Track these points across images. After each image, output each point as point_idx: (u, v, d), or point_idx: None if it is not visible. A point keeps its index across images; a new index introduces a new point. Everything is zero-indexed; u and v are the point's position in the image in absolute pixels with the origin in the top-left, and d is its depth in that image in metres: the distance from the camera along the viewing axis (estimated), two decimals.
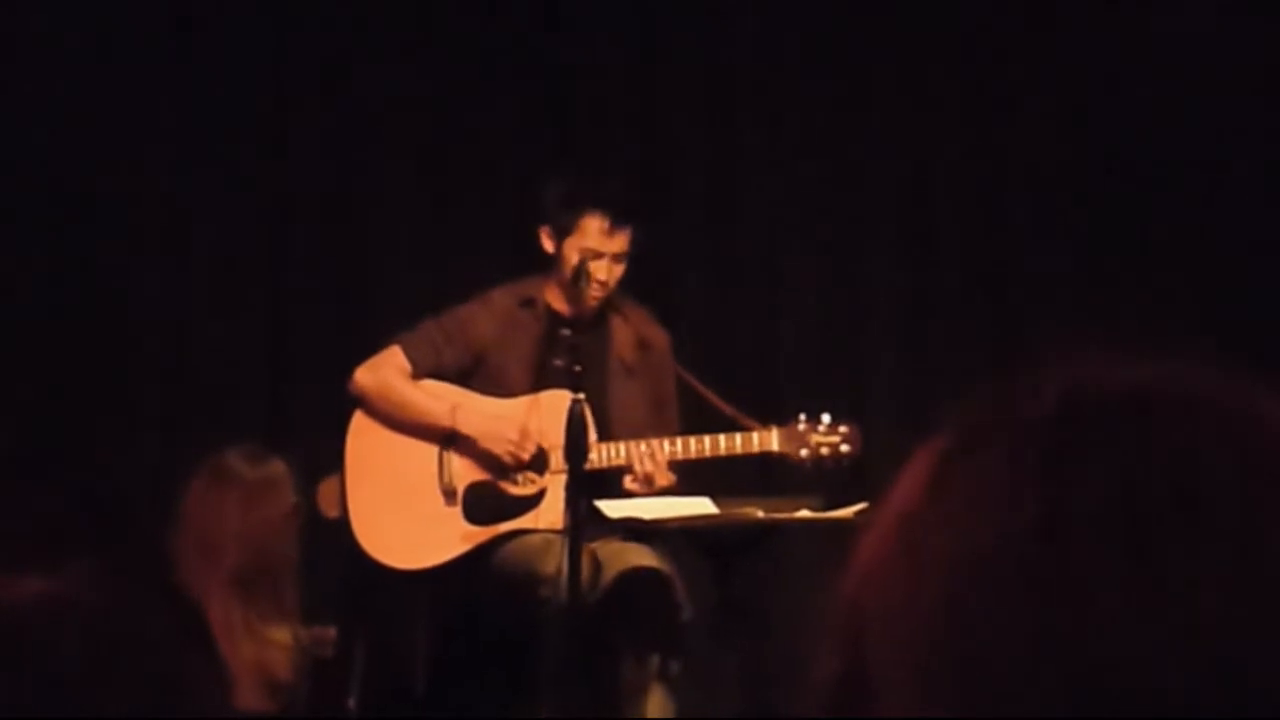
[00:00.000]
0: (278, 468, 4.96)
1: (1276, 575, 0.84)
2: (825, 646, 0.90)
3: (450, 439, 5.48)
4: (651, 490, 5.34)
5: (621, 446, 5.37)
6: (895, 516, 0.90)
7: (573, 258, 5.44)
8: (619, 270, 5.48)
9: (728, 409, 5.42)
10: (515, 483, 5.48)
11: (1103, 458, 0.87)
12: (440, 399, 5.49)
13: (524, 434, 5.43)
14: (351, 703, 5.28)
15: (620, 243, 5.45)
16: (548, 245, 5.52)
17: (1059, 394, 0.90)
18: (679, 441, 5.37)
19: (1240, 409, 0.89)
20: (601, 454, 5.33)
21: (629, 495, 5.36)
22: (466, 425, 5.46)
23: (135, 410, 6.48)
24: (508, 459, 5.44)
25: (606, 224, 5.41)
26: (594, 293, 5.43)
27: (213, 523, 4.81)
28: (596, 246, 5.43)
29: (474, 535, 5.45)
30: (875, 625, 0.88)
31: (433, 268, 6.59)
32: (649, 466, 5.32)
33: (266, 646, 4.79)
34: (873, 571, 0.90)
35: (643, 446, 5.35)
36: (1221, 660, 0.83)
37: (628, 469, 5.36)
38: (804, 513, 5.25)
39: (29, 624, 1.19)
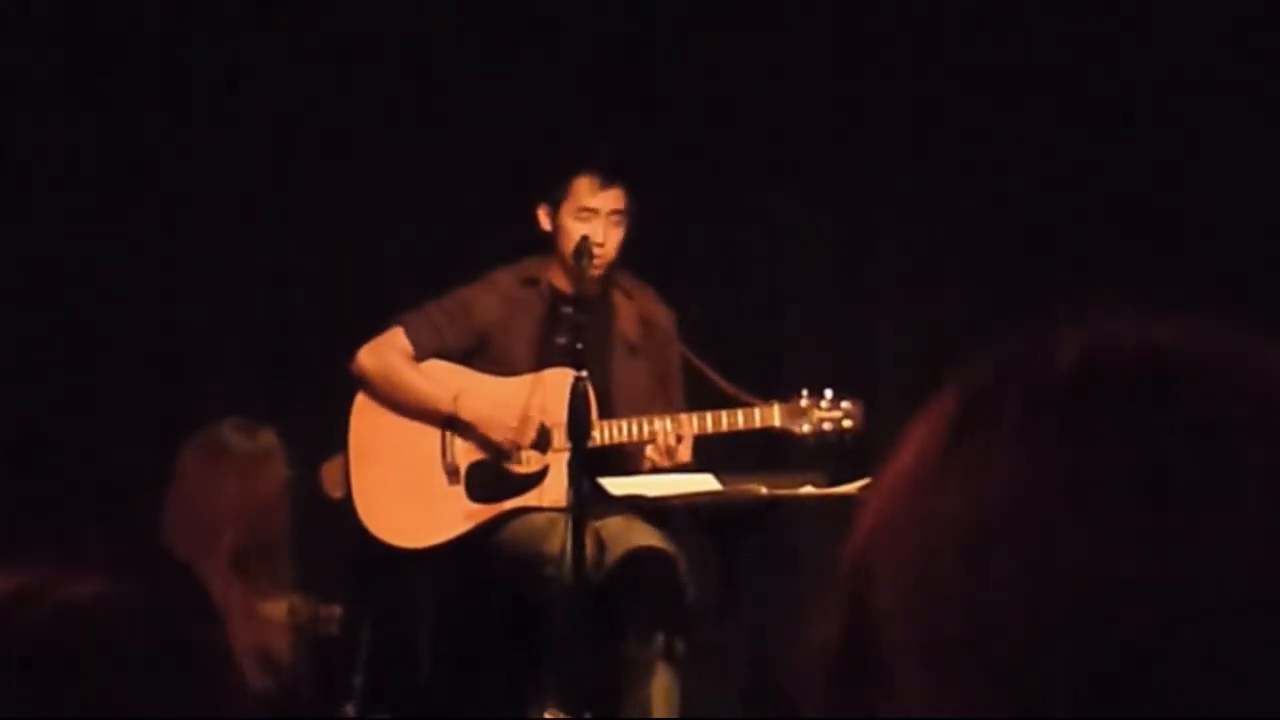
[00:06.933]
0: (269, 439, 4.93)
1: None
2: (829, 609, 0.89)
3: (451, 424, 5.48)
4: (673, 464, 5.34)
5: (624, 424, 5.37)
6: (903, 480, 0.89)
7: (570, 227, 5.44)
8: (616, 234, 5.47)
9: (729, 387, 5.42)
10: (518, 461, 5.48)
11: (1123, 416, 0.86)
12: (442, 384, 5.49)
13: (525, 420, 5.43)
14: (358, 681, 5.28)
15: (613, 199, 5.46)
16: (545, 223, 5.52)
17: (1074, 355, 0.89)
18: (681, 418, 5.37)
19: (1256, 365, 0.88)
20: (604, 431, 5.33)
21: (634, 472, 5.37)
22: (468, 412, 5.47)
23: (135, 394, 6.48)
24: (508, 446, 5.45)
25: (596, 181, 5.44)
26: (595, 262, 5.42)
27: (208, 499, 4.77)
28: (588, 204, 5.44)
29: (477, 513, 5.45)
30: (884, 588, 0.87)
31: (436, 248, 6.58)
32: (671, 440, 5.32)
33: (264, 625, 4.76)
34: (880, 535, 0.89)
35: (667, 422, 5.35)
36: (1248, 616, 0.82)
37: (634, 445, 5.37)
38: (808, 489, 5.25)
39: (89, 623, 1.19)
